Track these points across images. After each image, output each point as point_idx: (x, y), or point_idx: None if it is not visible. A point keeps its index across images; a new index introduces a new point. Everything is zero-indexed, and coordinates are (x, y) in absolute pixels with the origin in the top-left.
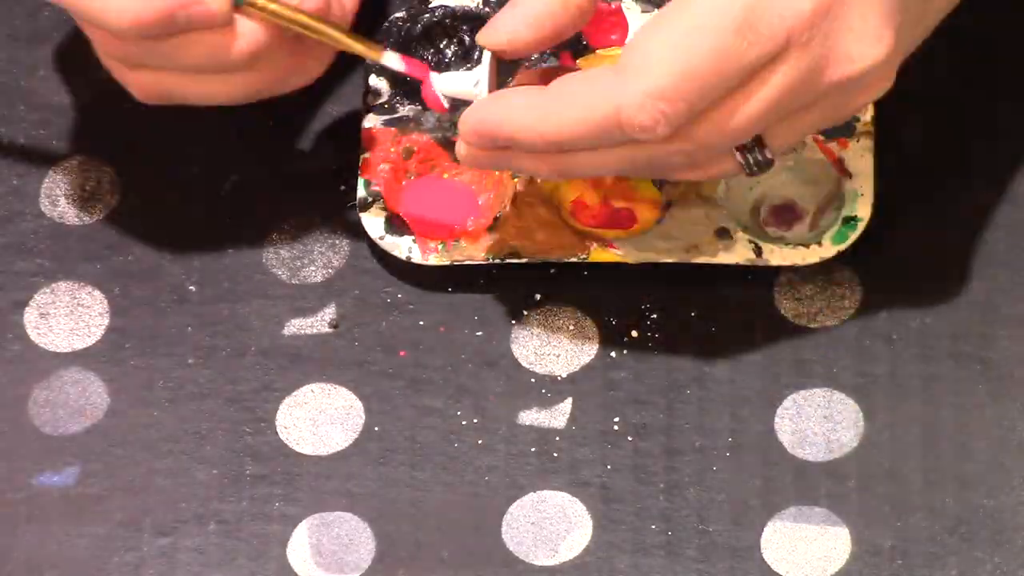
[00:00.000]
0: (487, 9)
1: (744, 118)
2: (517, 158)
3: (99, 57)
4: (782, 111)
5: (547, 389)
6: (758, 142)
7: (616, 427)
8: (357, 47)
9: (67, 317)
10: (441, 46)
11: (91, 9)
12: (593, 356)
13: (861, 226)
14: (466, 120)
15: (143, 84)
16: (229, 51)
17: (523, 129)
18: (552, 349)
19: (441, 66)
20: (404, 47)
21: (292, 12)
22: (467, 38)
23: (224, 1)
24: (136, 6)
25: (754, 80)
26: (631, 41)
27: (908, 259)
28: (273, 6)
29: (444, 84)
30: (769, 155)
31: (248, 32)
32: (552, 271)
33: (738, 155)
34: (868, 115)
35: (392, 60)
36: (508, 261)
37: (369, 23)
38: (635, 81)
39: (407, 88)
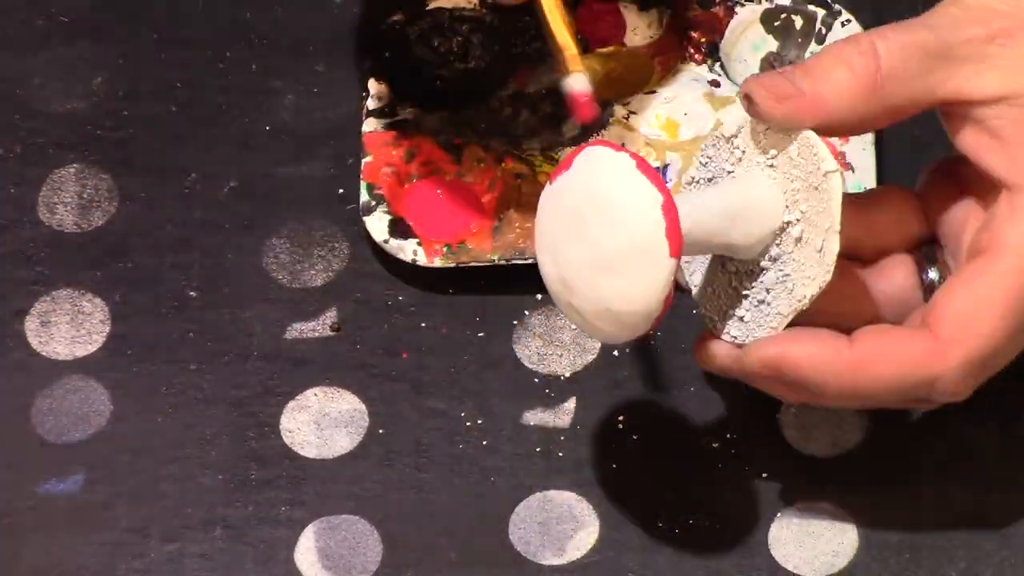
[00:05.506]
0: (484, 11)
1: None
2: (790, 391)
3: None
4: None
5: (550, 389)
6: None
7: (620, 425)
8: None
9: (68, 325)
10: (439, 48)
11: None
12: (595, 355)
13: None
14: (760, 353)
15: None
16: None
17: (822, 385)
18: (555, 349)
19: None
20: (402, 49)
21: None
22: (464, 39)
23: None
24: None
25: None
26: (941, 304)
27: None
28: None
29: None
30: None
31: None
32: None
33: None
34: None
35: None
36: (513, 262)
37: (367, 25)
38: (955, 353)
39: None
